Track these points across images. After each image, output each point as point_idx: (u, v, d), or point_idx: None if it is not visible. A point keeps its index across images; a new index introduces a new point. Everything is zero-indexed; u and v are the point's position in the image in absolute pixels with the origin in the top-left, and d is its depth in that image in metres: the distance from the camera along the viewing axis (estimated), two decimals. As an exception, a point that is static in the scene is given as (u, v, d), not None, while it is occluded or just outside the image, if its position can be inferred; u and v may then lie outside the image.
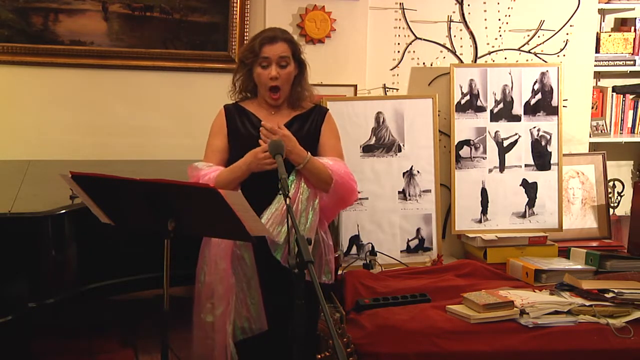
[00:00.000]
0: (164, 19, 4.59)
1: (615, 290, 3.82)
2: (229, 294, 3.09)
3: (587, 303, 3.74)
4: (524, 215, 4.75)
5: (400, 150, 4.61)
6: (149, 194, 2.66)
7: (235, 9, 4.61)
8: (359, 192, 4.37)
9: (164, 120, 4.70)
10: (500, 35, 4.93)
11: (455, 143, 4.73)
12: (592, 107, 5.23)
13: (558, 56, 4.98)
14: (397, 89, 4.86)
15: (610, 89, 5.36)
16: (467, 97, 4.75)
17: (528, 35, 4.96)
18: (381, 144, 4.59)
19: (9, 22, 4.39)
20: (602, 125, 5.30)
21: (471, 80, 4.75)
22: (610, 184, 5.10)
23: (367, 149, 4.58)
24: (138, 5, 4.53)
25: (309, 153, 3.05)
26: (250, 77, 3.18)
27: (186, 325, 3.25)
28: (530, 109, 4.79)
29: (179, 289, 3.31)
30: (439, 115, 4.70)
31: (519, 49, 4.96)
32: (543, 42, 4.97)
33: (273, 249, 3.02)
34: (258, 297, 3.11)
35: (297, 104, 3.23)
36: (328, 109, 3.32)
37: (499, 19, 4.91)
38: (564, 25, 4.97)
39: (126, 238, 3.32)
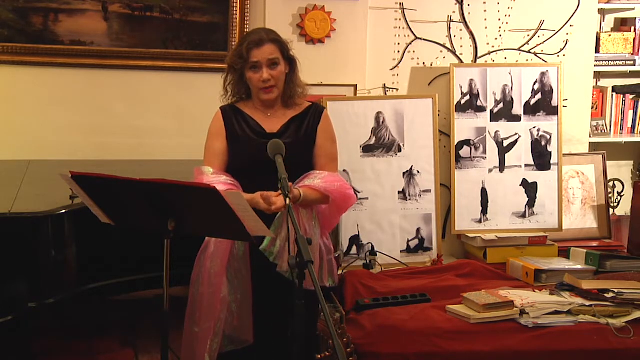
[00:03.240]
0: (164, 19, 4.59)
1: (615, 290, 3.82)
2: (218, 310, 3.08)
3: (587, 303, 3.74)
4: (524, 215, 4.75)
5: (400, 150, 4.61)
6: (149, 194, 2.66)
7: (235, 9, 4.61)
8: (359, 192, 4.39)
9: (164, 120, 4.70)
10: (500, 35, 4.93)
11: (455, 143, 4.73)
12: (592, 107, 5.23)
13: (558, 56, 4.98)
14: (397, 89, 4.86)
15: (610, 89, 5.36)
16: (467, 97, 4.75)
17: (528, 35, 4.96)
18: (381, 144, 4.59)
19: (9, 22, 4.39)
20: (602, 125, 5.30)
21: (471, 80, 4.75)
22: (610, 184, 5.10)
23: (367, 149, 4.57)
24: (138, 5, 4.53)
25: (301, 192, 3.01)
26: (242, 81, 3.18)
27: (186, 325, 3.25)
28: (530, 109, 4.79)
29: (179, 289, 3.31)
30: (439, 115, 4.70)
31: (519, 49, 4.95)
32: (543, 42, 4.97)
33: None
34: (249, 310, 3.11)
35: (290, 102, 3.23)
36: (325, 108, 3.32)
37: (499, 19, 4.91)
38: (564, 25, 4.97)
39: (126, 238, 3.32)
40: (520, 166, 4.77)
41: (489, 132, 4.76)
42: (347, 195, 3.20)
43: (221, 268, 3.09)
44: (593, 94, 5.22)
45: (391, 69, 4.85)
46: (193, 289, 3.16)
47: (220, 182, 3.05)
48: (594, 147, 5.22)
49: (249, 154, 3.10)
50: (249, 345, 3.11)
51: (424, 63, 4.87)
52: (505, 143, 4.77)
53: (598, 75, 5.35)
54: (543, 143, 4.78)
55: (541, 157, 4.78)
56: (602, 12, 5.26)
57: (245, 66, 3.11)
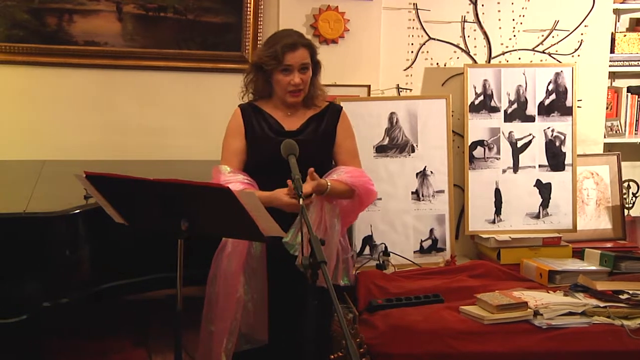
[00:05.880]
0: (177, 20, 4.60)
1: (630, 292, 3.81)
2: (233, 309, 3.09)
3: (602, 304, 3.72)
4: (537, 216, 4.73)
5: (413, 151, 4.60)
6: (163, 194, 2.67)
7: (248, 9, 4.61)
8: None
9: (177, 120, 4.71)
10: (515, 36, 4.91)
11: (469, 143, 4.72)
12: (607, 108, 5.21)
13: (572, 56, 4.96)
14: (411, 90, 4.85)
15: (625, 89, 5.32)
16: (481, 98, 4.74)
17: (542, 36, 4.94)
18: (394, 144, 4.59)
19: (24, 23, 4.41)
20: (617, 126, 5.27)
21: (485, 80, 4.74)
22: (625, 184, 5.07)
23: (381, 150, 4.57)
24: (152, 5, 4.54)
25: (328, 182, 3.04)
26: (268, 81, 3.18)
27: (199, 325, 3.25)
28: (545, 110, 4.77)
29: (192, 288, 3.31)
30: (452, 115, 4.69)
31: (533, 49, 4.94)
32: (557, 42, 4.95)
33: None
34: (265, 310, 3.12)
35: (311, 103, 3.24)
36: (342, 107, 3.34)
37: (513, 19, 4.89)
38: (578, 26, 4.95)
39: (140, 238, 3.33)
40: (534, 167, 4.76)
41: (503, 133, 4.74)
42: (370, 191, 3.23)
43: (238, 268, 3.10)
44: (608, 95, 5.20)
45: (405, 69, 4.84)
46: (210, 288, 3.18)
47: (238, 181, 3.05)
48: (608, 148, 5.19)
49: (268, 152, 3.10)
50: (264, 344, 3.11)
51: (437, 63, 4.86)
52: (519, 144, 4.75)
53: (613, 76, 5.32)
54: (557, 144, 4.76)
55: (555, 158, 4.77)
56: (617, 12, 5.23)
57: (276, 68, 3.12)
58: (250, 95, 3.27)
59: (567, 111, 4.79)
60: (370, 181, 3.24)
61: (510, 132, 4.75)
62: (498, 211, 4.72)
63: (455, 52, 4.87)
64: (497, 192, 4.73)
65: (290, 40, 3.12)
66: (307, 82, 3.16)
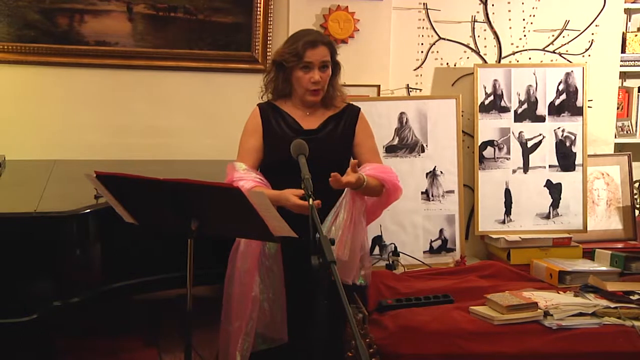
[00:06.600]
0: (187, 20, 4.61)
1: (641, 293, 3.80)
2: (249, 309, 3.10)
3: (612, 305, 3.71)
4: (548, 216, 4.72)
5: (423, 151, 4.60)
6: (173, 194, 2.68)
7: (258, 9, 4.62)
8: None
9: (187, 120, 4.72)
10: (525, 36, 4.90)
11: (479, 143, 4.72)
12: (618, 108, 5.19)
13: (583, 56, 4.95)
14: (421, 90, 4.85)
15: (636, 89, 5.30)
16: (491, 98, 4.73)
17: (553, 36, 4.93)
18: (404, 144, 4.58)
19: (35, 23, 4.42)
20: (628, 126, 5.25)
21: (495, 80, 4.73)
22: (636, 185, 5.06)
23: (390, 150, 4.57)
24: (162, 6, 4.55)
25: (365, 177, 3.06)
26: (288, 79, 3.20)
27: (209, 325, 3.26)
28: (555, 110, 4.76)
29: (203, 288, 3.32)
30: (462, 115, 4.69)
31: (543, 49, 4.93)
32: (568, 42, 4.94)
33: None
34: (282, 309, 3.12)
35: (330, 104, 3.27)
36: (360, 108, 3.37)
37: (524, 19, 4.88)
38: (589, 25, 4.94)
39: (150, 237, 3.34)
40: (545, 167, 4.75)
41: (513, 133, 4.73)
42: (397, 187, 3.27)
43: (252, 267, 3.11)
44: (619, 95, 5.18)
45: (414, 69, 4.84)
46: (227, 288, 3.19)
47: (250, 178, 3.08)
48: (619, 148, 5.18)
49: (286, 150, 3.09)
50: (282, 343, 3.12)
51: (447, 63, 4.86)
52: (530, 144, 4.74)
53: (624, 76, 5.30)
54: (567, 144, 4.75)
55: (566, 158, 4.75)
56: (628, 12, 5.21)
57: (297, 65, 3.13)
58: (270, 95, 3.29)
59: (578, 111, 4.77)
60: (398, 177, 3.27)
61: (520, 132, 4.74)
62: (508, 211, 4.71)
63: (465, 52, 4.87)
64: (507, 193, 4.72)
65: (311, 37, 3.17)
66: (327, 80, 3.19)
